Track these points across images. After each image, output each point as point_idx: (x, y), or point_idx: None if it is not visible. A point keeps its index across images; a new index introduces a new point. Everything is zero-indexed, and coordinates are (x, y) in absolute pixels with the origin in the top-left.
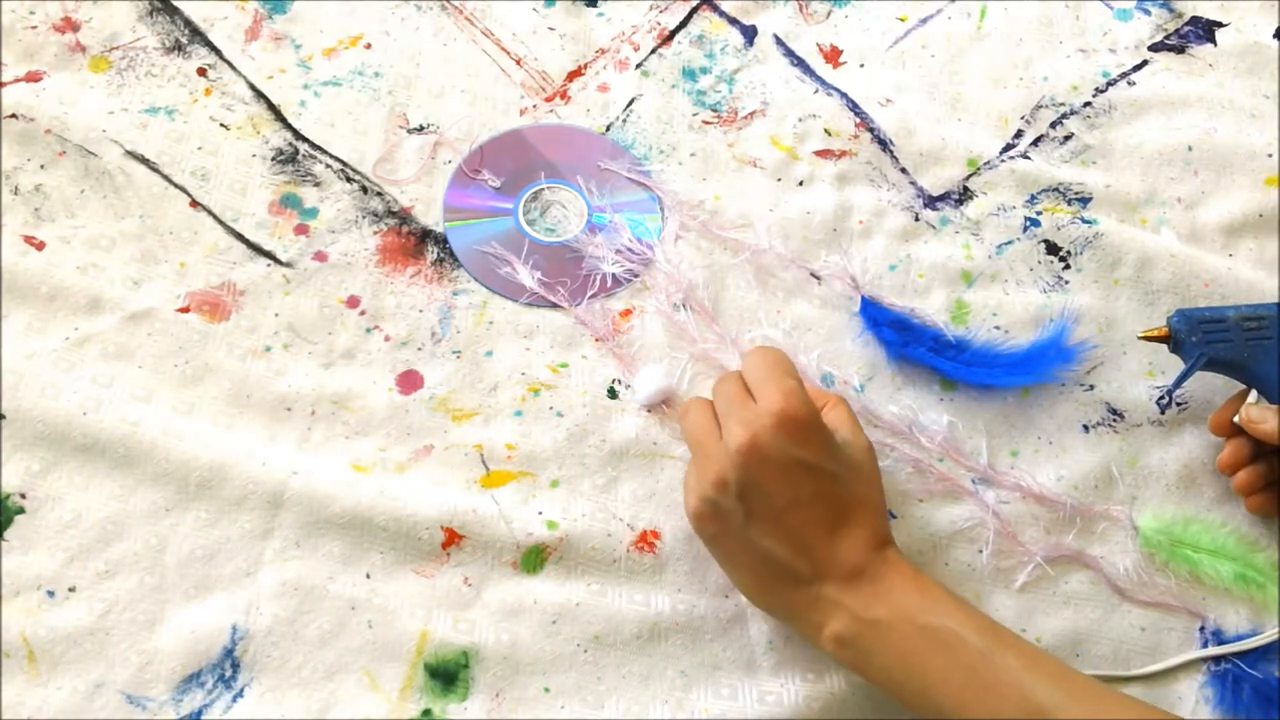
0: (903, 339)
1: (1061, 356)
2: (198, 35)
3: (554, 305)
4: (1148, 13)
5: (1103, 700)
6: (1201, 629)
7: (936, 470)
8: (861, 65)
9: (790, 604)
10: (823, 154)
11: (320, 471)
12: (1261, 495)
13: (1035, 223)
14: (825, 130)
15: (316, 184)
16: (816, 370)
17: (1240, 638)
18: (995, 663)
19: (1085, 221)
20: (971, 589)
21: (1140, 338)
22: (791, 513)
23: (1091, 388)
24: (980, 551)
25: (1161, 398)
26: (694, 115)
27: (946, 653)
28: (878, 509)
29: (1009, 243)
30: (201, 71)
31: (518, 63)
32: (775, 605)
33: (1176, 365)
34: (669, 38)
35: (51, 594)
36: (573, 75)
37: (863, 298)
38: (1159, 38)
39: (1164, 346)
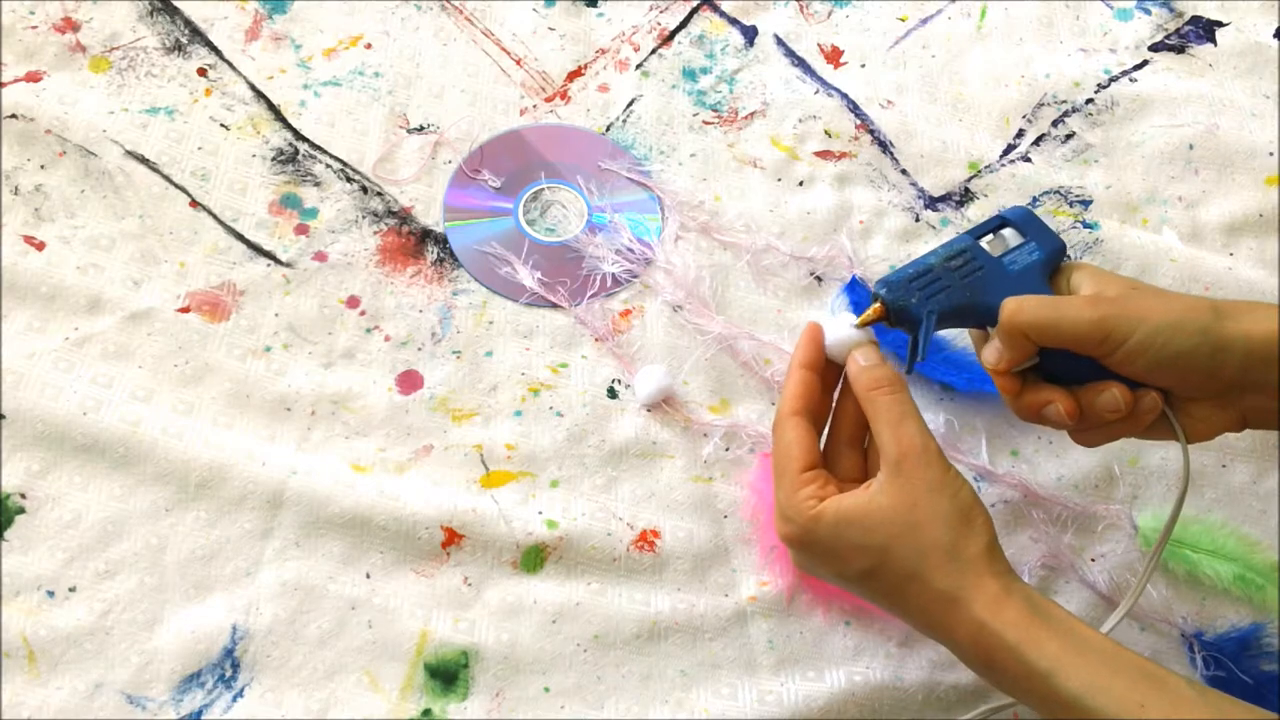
0: (879, 327)
1: None
2: (198, 35)
3: (554, 305)
4: (1148, 12)
5: (1190, 705)
6: (1195, 637)
7: None
8: (862, 65)
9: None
10: (823, 155)
11: (320, 471)
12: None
13: None
14: (825, 131)
15: (316, 184)
16: None
17: (1228, 635)
18: (1058, 683)
19: (1086, 226)
20: None
21: (858, 326)
22: (849, 584)
23: None
24: None
25: (908, 370)
26: (694, 115)
27: (1009, 681)
28: (926, 557)
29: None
30: (201, 71)
31: (518, 63)
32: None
33: None
34: (669, 38)
35: (51, 594)
36: (573, 75)
37: (853, 276)
38: (1159, 37)
39: None
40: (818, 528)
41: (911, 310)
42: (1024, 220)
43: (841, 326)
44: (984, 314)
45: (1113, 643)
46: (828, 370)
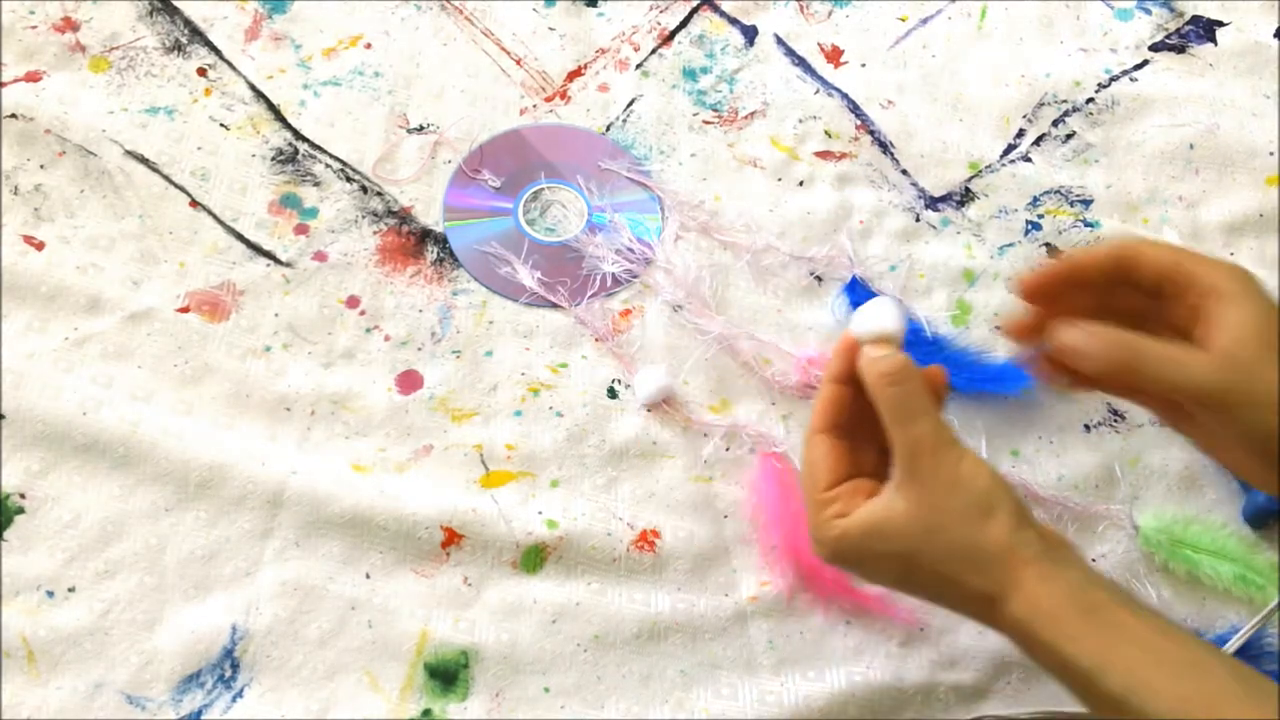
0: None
1: (1030, 380)
2: (198, 35)
3: (554, 305)
4: (1148, 12)
5: (1233, 700)
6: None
7: None
8: (863, 65)
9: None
10: (823, 155)
11: (320, 471)
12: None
13: (1037, 226)
14: (826, 132)
15: (316, 184)
16: None
17: (1228, 636)
18: (1100, 681)
19: (1087, 224)
20: None
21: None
22: (892, 589)
23: None
24: None
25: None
26: (694, 115)
27: (1055, 675)
28: (952, 560)
29: (1010, 245)
30: (201, 71)
31: (518, 63)
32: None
33: None
34: (669, 38)
35: (51, 594)
36: (573, 75)
37: (853, 276)
38: (1159, 37)
39: None
40: (843, 545)
41: None
42: None
43: (865, 319)
44: None
45: (1157, 629)
46: None
